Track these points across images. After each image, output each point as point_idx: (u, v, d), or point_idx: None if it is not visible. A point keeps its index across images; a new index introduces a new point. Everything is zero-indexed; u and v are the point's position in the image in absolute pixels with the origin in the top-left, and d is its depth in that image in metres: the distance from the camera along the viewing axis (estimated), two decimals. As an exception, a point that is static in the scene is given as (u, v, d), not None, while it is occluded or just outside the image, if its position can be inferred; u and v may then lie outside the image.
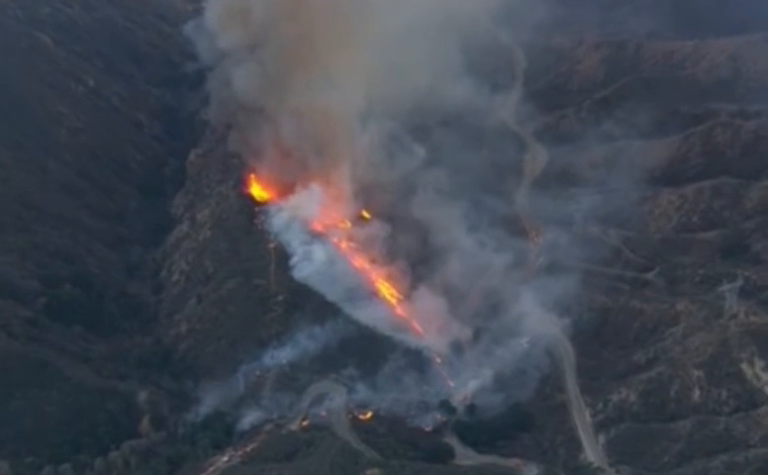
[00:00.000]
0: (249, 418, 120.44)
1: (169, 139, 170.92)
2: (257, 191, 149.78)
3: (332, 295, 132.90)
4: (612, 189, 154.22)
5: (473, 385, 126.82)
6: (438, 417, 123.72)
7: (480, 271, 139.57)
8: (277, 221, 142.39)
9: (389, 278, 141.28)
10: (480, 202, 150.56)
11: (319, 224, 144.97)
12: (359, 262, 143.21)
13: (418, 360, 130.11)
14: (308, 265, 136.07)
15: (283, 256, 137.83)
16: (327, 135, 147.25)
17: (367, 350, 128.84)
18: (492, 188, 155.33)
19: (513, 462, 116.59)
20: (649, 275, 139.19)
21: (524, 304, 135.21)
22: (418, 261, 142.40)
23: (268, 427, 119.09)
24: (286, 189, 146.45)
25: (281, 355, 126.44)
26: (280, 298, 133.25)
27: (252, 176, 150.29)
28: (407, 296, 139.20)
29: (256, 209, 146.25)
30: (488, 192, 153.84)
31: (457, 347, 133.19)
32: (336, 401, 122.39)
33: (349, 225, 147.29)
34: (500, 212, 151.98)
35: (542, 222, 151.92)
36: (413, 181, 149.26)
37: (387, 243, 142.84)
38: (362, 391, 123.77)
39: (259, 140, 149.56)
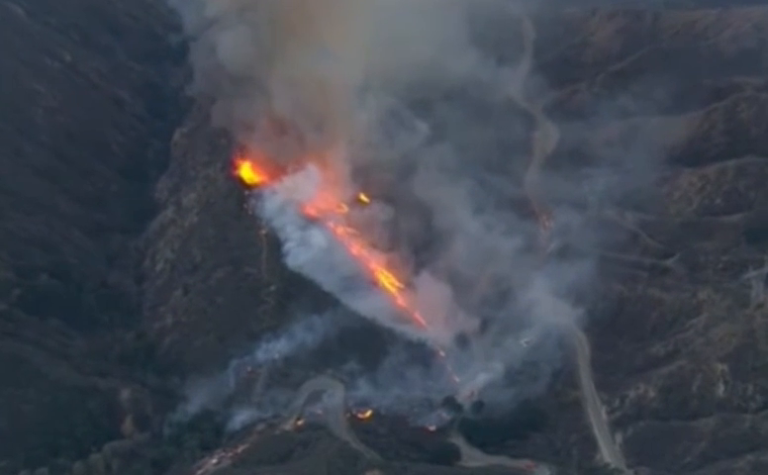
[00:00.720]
0: (240, 417, 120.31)
1: (152, 117, 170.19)
2: (247, 173, 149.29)
3: (328, 284, 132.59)
4: (628, 169, 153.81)
5: (482, 378, 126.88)
6: (443, 415, 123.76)
7: (487, 257, 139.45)
8: (269, 205, 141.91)
9: (390, 265, 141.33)
10: (486, 182, 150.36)
11: (314, 208, 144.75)
12: (358, 249, 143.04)
13: (421, 354, 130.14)
14: (302, 253, 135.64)
15: (276, 243, 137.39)
16: (322, 109, 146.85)
17: (367, 344, 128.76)
18: (499, 167, 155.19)
19: (523, 464, 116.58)
20: (669, 262, 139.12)
21: (534, 293, 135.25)
22: (420, 246, 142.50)
23: (261, 426, 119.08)
24: (279, 170, 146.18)
25: (274, 350, 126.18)
26: (273, 288, 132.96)
27: (242, 157, 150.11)
28: (409, 284, 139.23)
29: (246, 192, 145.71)
30: (495, 172, 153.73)
31: (463, 340, 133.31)
32: (333, 398, 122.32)
33: (347, 208, 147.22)
34: (508, 193, 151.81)
35: (554, 204, 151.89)
36: (414, 160, 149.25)
37: (387, 228, 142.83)
38: (361, 388, 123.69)
39: (249, 113, 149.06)
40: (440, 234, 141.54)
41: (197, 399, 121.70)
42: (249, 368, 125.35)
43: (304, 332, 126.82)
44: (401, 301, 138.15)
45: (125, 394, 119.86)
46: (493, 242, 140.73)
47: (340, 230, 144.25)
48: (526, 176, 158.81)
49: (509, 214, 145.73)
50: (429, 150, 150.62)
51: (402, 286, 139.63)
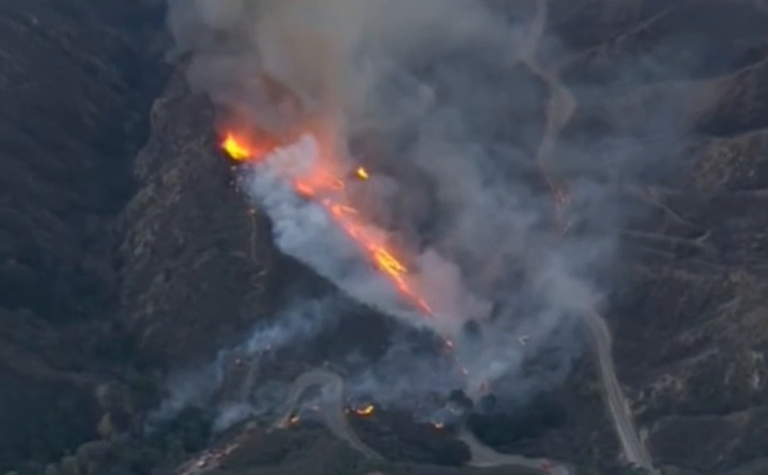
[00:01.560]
0: (229, 414, 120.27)
1: (129, 86, 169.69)
2: (234, 147, 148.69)
3: (324, 268, 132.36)
4: (652, 139, 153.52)
5: (496, 367, 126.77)
6: (451, 410, 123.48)
7: (499, 234, 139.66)
8: (259, 181, 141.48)
9: (391, 246, 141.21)
10: (496, 152, 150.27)
11: (308, 184, 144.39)
12: (356, 229, 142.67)
13: (426, 344, 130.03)
14: (295, 233, 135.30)
15: (266, 223, 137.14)
16: (317, 73, 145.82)
17: (367, 333, 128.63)
18: (510, 137, 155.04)
19: (539, 463, 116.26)
20: (698, 241, 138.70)
21: (550, 274, 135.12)
22: (425, 223, 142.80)
23: (251, 425, 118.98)
24: (270, 142, 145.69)
25: (266, 340, 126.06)
26: (263, 273, 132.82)
27: (229, 129, 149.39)
28: (413, 266, 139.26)
29: (233, 168, 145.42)
30: (505, 141, 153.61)
31: (473, 327, 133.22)
32: (330, 393, 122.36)
33: (344, 184, 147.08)
34: (520, 164, 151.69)
35: (570, 177, 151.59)
36: (417, 129, 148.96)
37: (389, 204, 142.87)
38: (362, 381, 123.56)
39: (234, 74, 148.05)
40: (446, 209, 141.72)
41: (181, 395, 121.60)
42: (238, 361, 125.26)
43: (298, 321, 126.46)
44: (404, 285, 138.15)
45: (101, 390, 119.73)
46: (505, 218, 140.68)
47: (337, 208, 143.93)
48: (539, 147, 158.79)
49: (521, 187, 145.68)
50: (433, 118, 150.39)
51: (405, 269, 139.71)
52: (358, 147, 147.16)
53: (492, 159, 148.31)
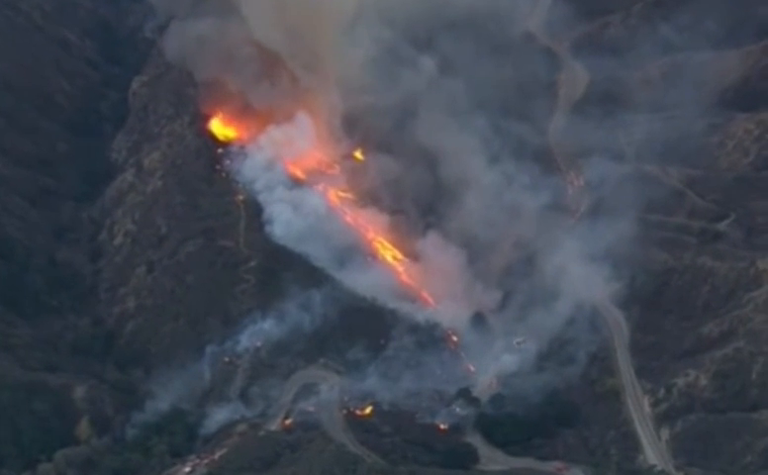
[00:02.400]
0: (217, 416, 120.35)
1: (106, 63, 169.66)
2: (220, 127, 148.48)
3: (319, 258, 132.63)
4: (671, 115, 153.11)
5: (507, 360, 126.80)
6: (457, 410, 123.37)
7: (507, 216, 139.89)
8: (248, 164, 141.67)
9: (391, 232, 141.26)
10: (502, 128, 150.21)
11: (300, 167, 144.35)
12: (353, 215, 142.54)
13: (430, 338, 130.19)
14: (287, 221, 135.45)
15: (255, 210, 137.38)
16: (310, 43, 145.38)
17: (366, 328, 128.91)
18: (517, 112, 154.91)
19: (553, 466, 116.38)
20: (722, 225, 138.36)
21: (562, 261, 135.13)
22: (427, 206, 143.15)
23: (242, 427, 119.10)
24: (259, 121, 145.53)
25: (257, 336, 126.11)
26: (253, 263, 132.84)
27: (214, 106, 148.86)
28: (415, 253, 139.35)
29: (220, 150, 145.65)
30: (512, 117, 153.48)
31: (480, 320, 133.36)
32: (327, 392, 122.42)
33: (339, 166, 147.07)
34: (528, 141, 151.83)
35: (583, 156, 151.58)
36: (417, 103, 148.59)
37: (388, 187, 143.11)
38: (360, 379, 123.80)
39: (219, 43, 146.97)
40: (450, 189, 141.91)
41: (165, 396, 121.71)
42: (227, 358, 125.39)
43: (291, 315, 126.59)
44: (406, 275, 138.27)
45: (79, 392, 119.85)
46: (513, 199, 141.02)
47: (333, 192, 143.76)
48: (549, 123, 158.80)
49: (530, 166, 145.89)
50: (434, 92, 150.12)
51: (407, 257, 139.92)
52: (354, 126, 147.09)
53: (498, 136, 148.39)
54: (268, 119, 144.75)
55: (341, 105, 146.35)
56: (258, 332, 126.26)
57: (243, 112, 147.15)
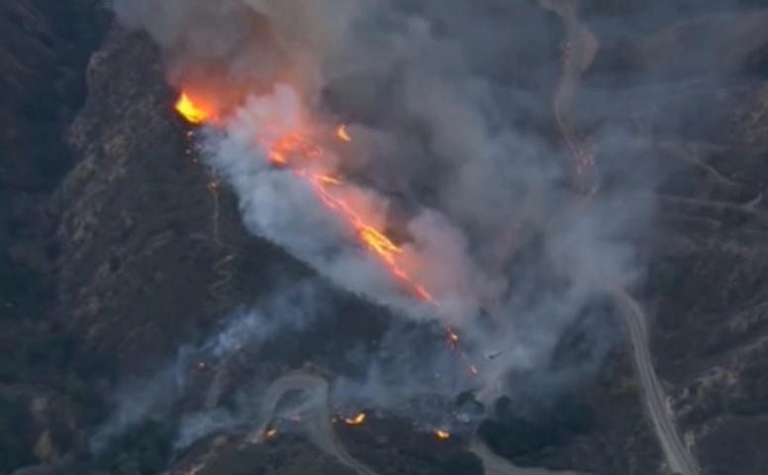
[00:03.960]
0: (192, 428, 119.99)
1: (61, 38, 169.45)
2: (189, 107, 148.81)
3: (302, 251, 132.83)
4: (691, 84, 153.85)
5: (519, 354, 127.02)
6: (458, 416, 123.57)
7: (511, 192, 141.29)
8: (221, 148, 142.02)
9: (382, 217, 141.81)
10: (503, 97, 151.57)
11: (280, 149, 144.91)
12: (339, 202, 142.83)
13: (426, 337, 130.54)
14: (266, 210, 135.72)
15: (231, 199, 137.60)
16: (291, 5, 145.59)
17: (355, 327, 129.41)
18: (519, 80, 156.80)
19: None
20: (749, 206, 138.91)
21: (572, 249, 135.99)
22: (420, 185, 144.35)
23: (219, 440, 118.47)
24: (233, 98, 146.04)
25: (235, 339, 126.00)
26: (229, 258, 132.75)
27: (183, 82, 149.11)
28: (409, 241, 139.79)
29: (190, 132, 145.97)
30: (513, 85, 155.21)
31: (483, 315, 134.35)
32: (313, 400, 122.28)
33: (322, 148, 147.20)
34: (532, 112, 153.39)
35: (593, 130, 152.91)
36: (407, 69, 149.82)
37: (377, 167, 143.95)
38: (350, 384, 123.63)
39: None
40: (446, 164, 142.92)
41: (134, 407, 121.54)
42: (202, 364, 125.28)
43: (273, 315, 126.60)
44: (399, 266, 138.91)
45: (38, 404, 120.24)
46: (517, 173, 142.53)
47: (316, 176, 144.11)
48: (554, 93, 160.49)
49: (534, 139, 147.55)
50: (425, 58, 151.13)
51: (400, 245, 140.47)
52: (338, 99, 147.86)
53: (498, 104, 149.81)
54: (243, 92, 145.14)
55: (325, 76, 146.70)
56: (237, 334, 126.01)
57: (215, 84, 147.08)
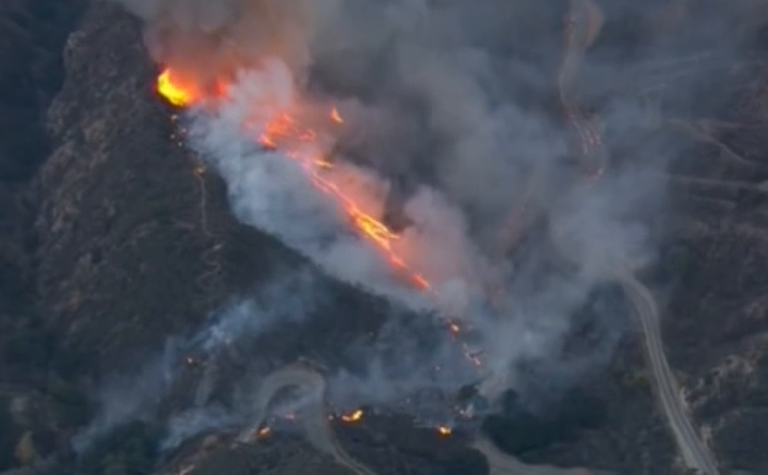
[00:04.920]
0: (181, 428, 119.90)
1: (37, 18, 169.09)
2: (173, 89, 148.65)
3: (294, 239, 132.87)
4: (702, 58, 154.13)
5: (529, 339, 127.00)
6: (461, 411, 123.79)
7: (514, 171, 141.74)
8: (207, 131, 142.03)
9: (378, 201, 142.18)
10: (503, 70, 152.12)
11: (269, 132, 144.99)
12: (332, 187, 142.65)
13: (426, 328, 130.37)
14: (256, 196, 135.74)
15: (219, 186, 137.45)
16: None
17: (351, 319, 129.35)
18: (520, 52, 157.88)
19: (576, 473, 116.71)
20: (765, 185, 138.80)
21: (578, 232, 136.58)
22: (418, 164, 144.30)
23: (210, 440, 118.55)
24: (220, 77, 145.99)
25: (225, 333, 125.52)
26: (217, 247, 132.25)
27: (167, 62, 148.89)
28: (407, 224, 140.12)
29: (174, 116, 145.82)
30: (514, 58, 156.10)
31: (485, 303, 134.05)
32: (308, 396, 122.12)
33: (314, 130, 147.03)
34: (534, 86, 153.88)
35: (598, 105, 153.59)
36: (401, 42, 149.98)
37: (372, 147, 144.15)
38: (347, 379, 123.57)
39: None
40: (444, 139, 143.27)
41: (119, 406, 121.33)
42: (191, 360, 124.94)
43: (264, 307, 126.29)
44: (397, 254, 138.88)
45: (18, 404, 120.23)
46: (520, 150, 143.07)
47: (308, 160, 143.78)
48: (558, 68, 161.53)
49: (536, 114, 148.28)
50: (420, 27, 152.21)
51: (397, 231, 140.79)
52: (330, 76, 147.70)
53: (498, 78, 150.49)
54: (231, 71, 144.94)
55: (316, 51, 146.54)
56: (227, 328, 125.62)
57: (200, 63, 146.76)
